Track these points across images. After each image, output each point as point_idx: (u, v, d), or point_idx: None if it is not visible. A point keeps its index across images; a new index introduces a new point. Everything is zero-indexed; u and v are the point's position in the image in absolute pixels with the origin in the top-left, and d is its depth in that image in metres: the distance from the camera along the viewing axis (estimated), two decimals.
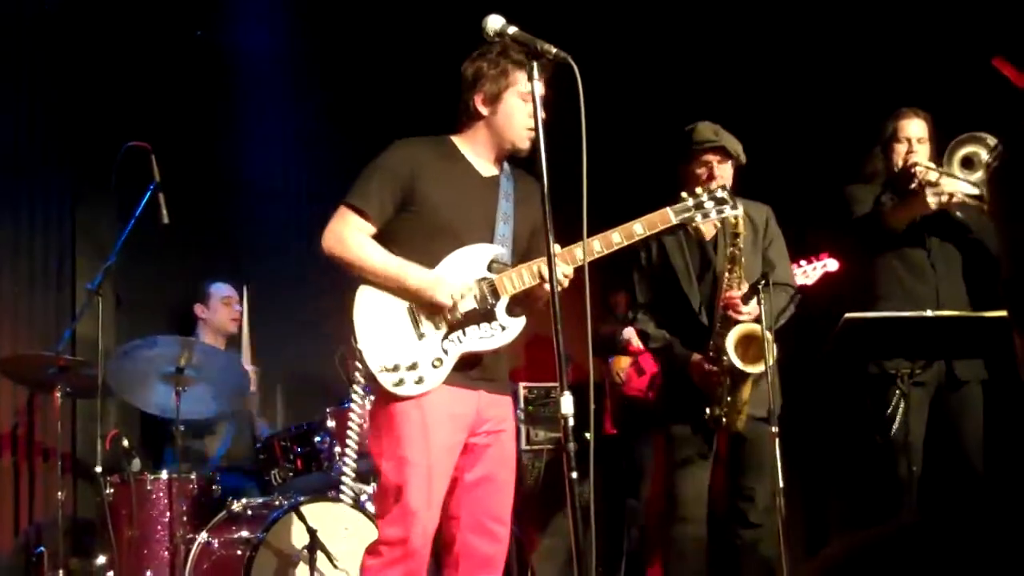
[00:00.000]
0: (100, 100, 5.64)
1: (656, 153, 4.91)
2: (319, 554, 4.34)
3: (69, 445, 5.25)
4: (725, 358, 4.04)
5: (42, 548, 4.83)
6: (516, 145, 3.45)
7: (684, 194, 3.52)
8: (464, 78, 3.47)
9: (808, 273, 4.80)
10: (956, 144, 4.17)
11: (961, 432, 4.19)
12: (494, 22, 2.79)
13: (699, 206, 3.52)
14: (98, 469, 4.52)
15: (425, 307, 3.32)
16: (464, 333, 3.35)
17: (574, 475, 2.50)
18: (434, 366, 3.31)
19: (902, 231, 4.27)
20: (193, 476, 4.75)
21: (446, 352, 3.33)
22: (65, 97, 5.62)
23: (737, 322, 4.06)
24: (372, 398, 4.90)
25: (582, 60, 2.69)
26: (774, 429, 3.77)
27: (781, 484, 3.64)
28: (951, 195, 4.12)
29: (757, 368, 4.00)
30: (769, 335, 3.89)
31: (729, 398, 4.11)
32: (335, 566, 4.36)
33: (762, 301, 3.87)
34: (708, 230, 4.33)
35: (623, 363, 6.07)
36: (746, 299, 4.02)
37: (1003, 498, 0.64)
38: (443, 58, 3.92)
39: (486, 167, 3.53)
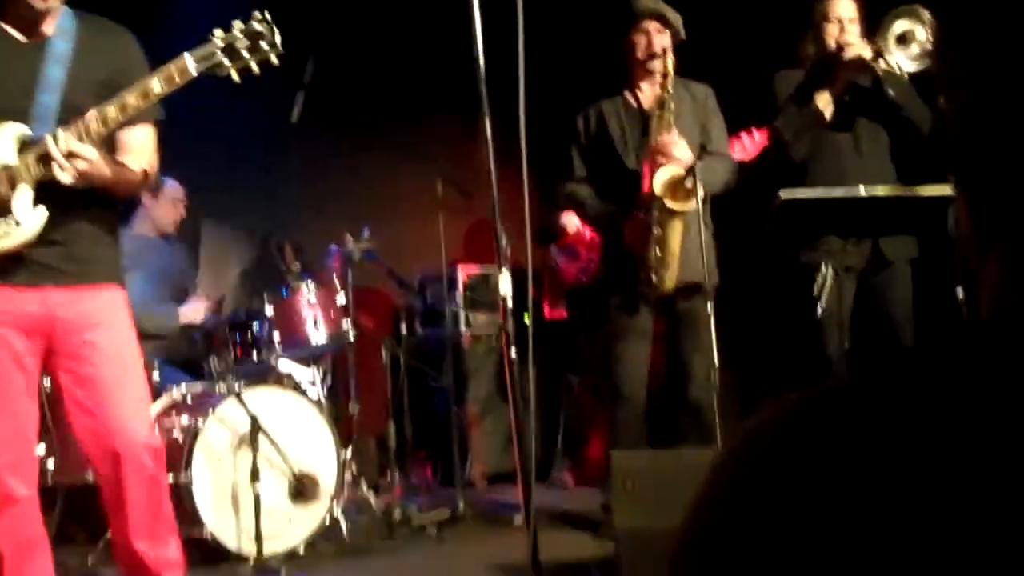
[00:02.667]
0: None
1: (588, 25, 4.89)
2: (261, 439, 4.37)
3: None
4: (655, 203, 4.08)
5: None
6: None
7: (214, 32, 2.93)
8: None
9: (747, 147, 4.81)
10: (890, 18, 4.17)
11: (889, 309, 4.28)
12: None
13: (229, 48, 2.91)
14: None
15: None
16: None
17: (513, 354, 2.52)
18: None
19: (830, 120, 4.28)
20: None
21: None
22: None
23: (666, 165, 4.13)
24: (311, 284, 4.94)
25: None
26: (709, 306, 3.82)
27: (716, 362, 3.70)
28: (882, 72, 4.15)
29: (685, 207, 4.06)
30: (699, 183, 3.91)
31: (658, 250, 4.16)
32: (278, 450, 4.40)
33: (696, 168, 3.93)
34: (648, 100, 4.39)
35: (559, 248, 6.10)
36: (685, 176, 4.06)
37: (933, 361, 0.65)
38: None
39: (28, 29, 3.01)
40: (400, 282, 5.89)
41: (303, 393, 4.72)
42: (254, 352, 4.87)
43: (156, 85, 2.87)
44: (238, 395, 4.41)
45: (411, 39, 6.40)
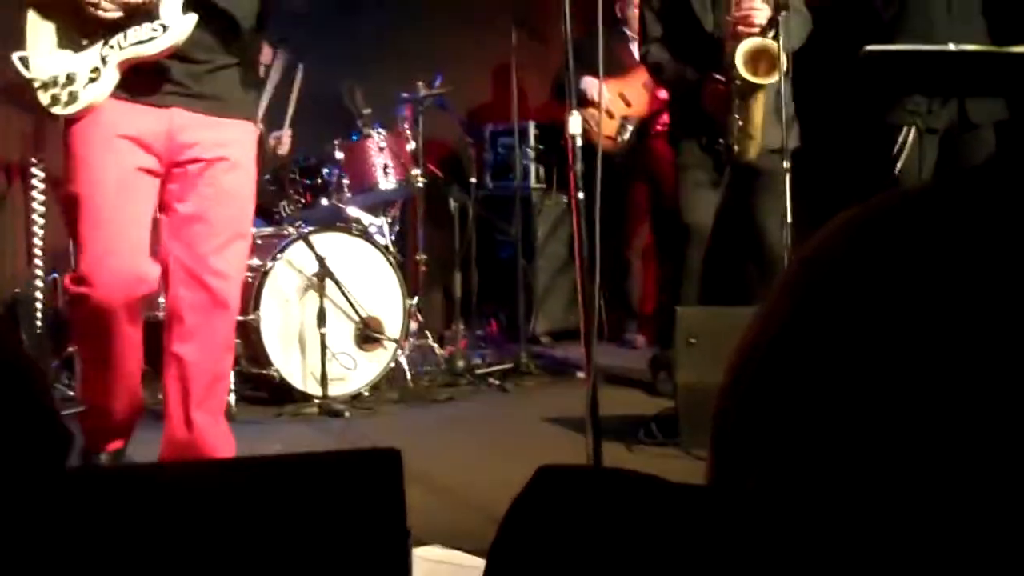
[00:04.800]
0: None
1: None
2: (328, 283, 4.40)
3: None
4: (735, 72, 3.94)
5: (55, 274, 4.89)
6: None
7: None
8: None
9: None
10: None
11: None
12: None
13: None
14: None
15: (78, 9, 2.74)
16: (125, 37, 2.75)
17: (580, 196, 2.46)
18: (91, 79, 2.76)
19: None
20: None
21: (104, 61, 2.76)
22: None
23: (748, 36, 3.96)
24: (382, 130, 4.89)
25: None
26: (786, 164, 3.71)
27: (790, 219, 3.61)
28: None
29: (767, 79, 3.91)
30: (782, 54, 3.77)
31: (740, 120, 4.04)
32: (343, 292, 4.43)
33: (779, 26, 3.77)
34: None
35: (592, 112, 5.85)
36: (764, 30, 3.91)
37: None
38: None
39: None
40: (471, 132, 5.81)
41: (371, 239, 4.72)
42: (323, 197, 4.87)
43: None
44: (306, 238, 4.43)
45: None
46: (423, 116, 5.03)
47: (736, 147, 4.09)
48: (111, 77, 2.75)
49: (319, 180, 4.89)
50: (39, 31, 2.80)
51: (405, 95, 5.07)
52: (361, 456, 1.56)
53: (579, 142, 2.47)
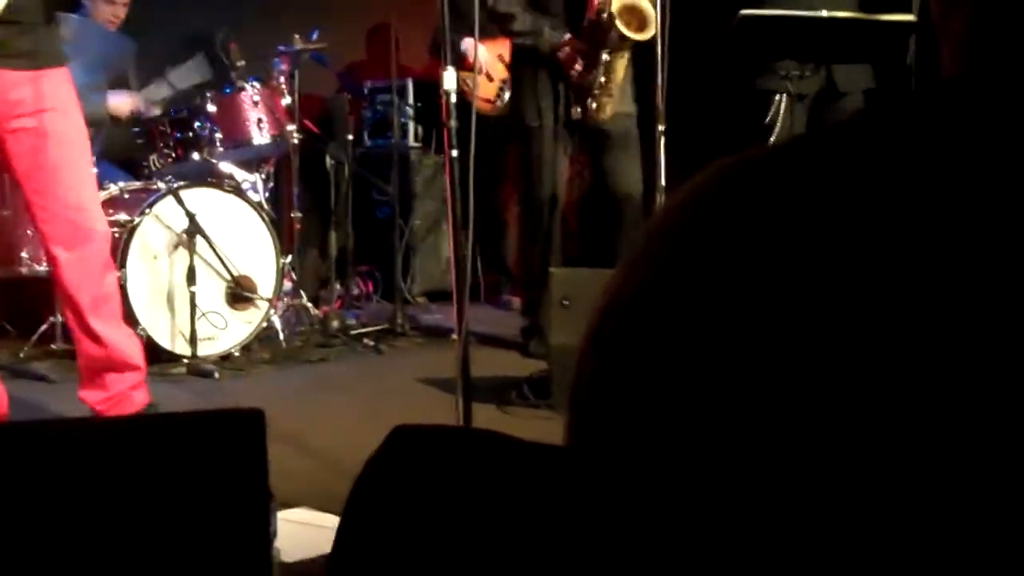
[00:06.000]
0: None
1: None
2: (198, 238, 4.29)
3: None
4: (608, 23, 3.93)
5: None
6: None
7: None
8: None
9: None
10: None
11: None
12: None
13: None
14: None
15: None
16: None
17: (454, 153, 2.44)
18: None
19: None
20: None
21: None
22: None
23: None
24: (257, 84, 4.77)
25: None
26: (661, 127, 3.73)
27: (664, 183, 3.64)
28: None
29: (642, 36, 3.93)
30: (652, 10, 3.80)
31: (602, 77, 4.05)
32: (214, 250, 4.33)
33: None
34: None
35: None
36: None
37: (891, 120, 0.58)
38: None
39: None
40: (349, 88, 5.72)
41: (244, 196, 4.61)
42: (194, 151, 4.73)
43: None
44: (176, 193, 4.31)
45: None
46: (299, 71, 4.92)
47: (593, 104, 4.09)
48: None
49: (190, 134, 4.73)
50: None
51: (282, 48, 4.95)
52: (224, 417, 1.53)
53: (454, 99, 2.44)
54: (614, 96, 4.11)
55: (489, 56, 5.39)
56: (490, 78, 5.51)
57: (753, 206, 0.55)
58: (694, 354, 0.53)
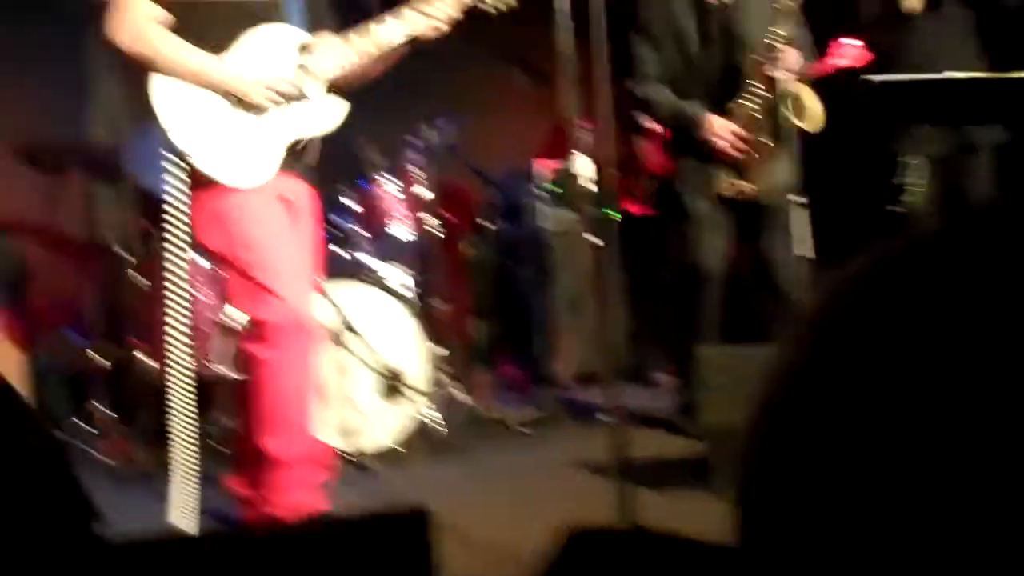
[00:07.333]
0: None
1: None
2: (347, 332, 4.36)
3: (93, 229, 5.23)
4: (773, 118, 3.94)
5: (74, 332, 4.89)
6: None
7: None
8: None
9: (854, 53, 4.51)
10: None
11: (972, 194, 4.14)
12: None
13: None
14: (125, 254, 4.53)
15: (240, 99, 3.10)
16: (288, 121, 3.17)
17: (599, 242, 2.42)
18: (261, 155, 3.14)
19: (919, 10, 4.11)
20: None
21: (272, 141, 3.16)
22: None
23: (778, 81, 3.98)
24: (392, 177, 4.87)
25: None
26: (801, 200, 3.71)
27: (812, 255, 3.60)
28: None
29: (814, 126, 3.94)
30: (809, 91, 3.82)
31: (757, 159, 4.04)
32: (365, 346, 4.39)
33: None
34: None
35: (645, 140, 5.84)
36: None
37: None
38: None
39: None
40: (481, 176, 5.79)
41: (388, 288, 4.68)
42: (337, 247, 4.84)
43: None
44: (321, 289, 4.39)
45: None
46: (434, 161, 5.01)
47: (743, 180, 4.08)
48: (279, 155, 3.17)
49: (333, 230, 4.85)
50: (179, 114, 3.05)
51: (414, 141, 5.05)
52: (388, 520, 1.51)
53: (591, 186, 2.44)
54: (767, 173, 4.09)
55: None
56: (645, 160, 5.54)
57: (901, 305, 0.54)
58: (876, 455, 0.51)
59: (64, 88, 5.41)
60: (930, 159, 4.08)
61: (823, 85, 4.29)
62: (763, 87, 3.99)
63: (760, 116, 3.99)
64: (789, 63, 3.98)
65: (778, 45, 3.96)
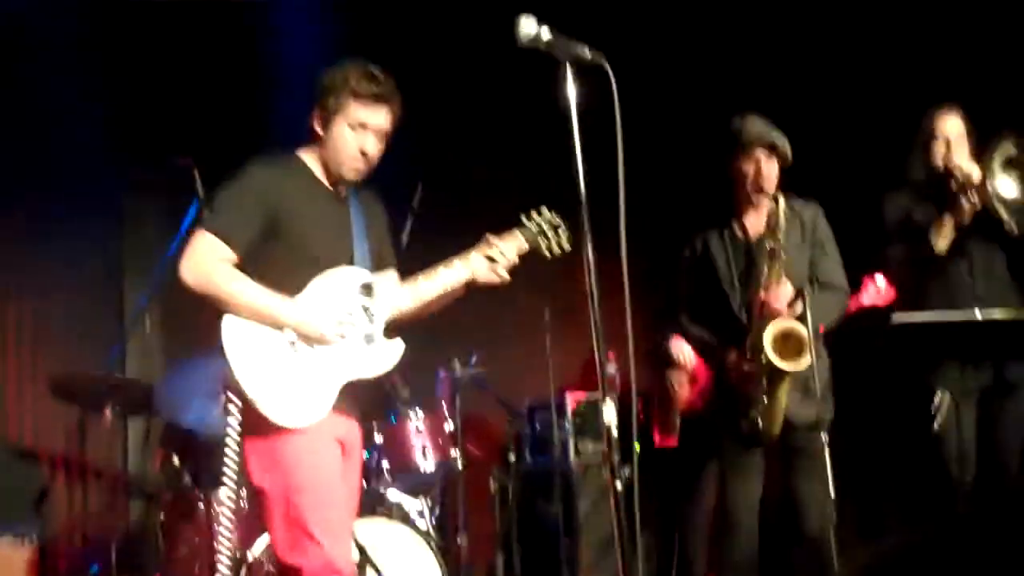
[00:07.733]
0: (148, 113, 5.70)
1: (693, 150, 4.84)
2: (369, 572, 4.31)
3: (122, 464, 5.28)
4: (762, 355, 3.97)
5: (96, 567, 4.86)
6: (343, 176, 3.34)
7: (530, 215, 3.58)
8: (316, 86, 3.33)
9: (881, 292, 4.60)
10: (998, 141, 4.10)
11: (1003, 434, 4.12)
12: (527, 27, 2.55)
13: (542, 230, 3.58)
14: (150, 488, 4.55)
15: (305, 338, 3.20)
16: (348, 362, 3.26)
17: (619, 485, 2.44)
18: (318, 395, 3.20)
19: (945, 252, 4.19)
20: (244, 493, 4.71)
21: (330, 381, 3.23)
22: (112, 111, 5.67)
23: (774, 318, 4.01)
24: (420, 411, 4.91)
25: (612, 58, 2.62)
26: (824, 438, 3.69)
27: (832, 495, 3.56)
28: (991, 197, 4.07)
29: (795, 366, 3.93)
30: (808, 334, 3.82)
31: (766, 400, 4.03)
32: None
33: (807, 303, 3.83)
34: (755, 228, 4.27)
35: (677, 374, 5.89)
36: (791, 303, 3.99)
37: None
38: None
39: (335, 185, 3.39)
40: (508, 409, 5.82)
41: (412, 524, 4.65)
42: (362, 481, 4.84)
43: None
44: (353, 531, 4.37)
45: (516, 164, 6.44)
46: (460, 394, 5.06)
47: (760, 422, 4.08)
48: (335, 394, 3.24)
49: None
50: (245, 352, 3.12)
51: (442, 374, 5.13)
52: None
53: (614, 433, 2.47)
54: (776, 421, 4.09)
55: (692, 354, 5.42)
56: (694, 379, 5.55)
57: None
58: None
59: (104, 324, 5.58)
60: (965, 394, 4.04)
61: (854, 320, 4.35)
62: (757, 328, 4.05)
63: (763, 360, 4.01)
64: (773, 301, 4.03)
65: (775, 297, 4.03)
